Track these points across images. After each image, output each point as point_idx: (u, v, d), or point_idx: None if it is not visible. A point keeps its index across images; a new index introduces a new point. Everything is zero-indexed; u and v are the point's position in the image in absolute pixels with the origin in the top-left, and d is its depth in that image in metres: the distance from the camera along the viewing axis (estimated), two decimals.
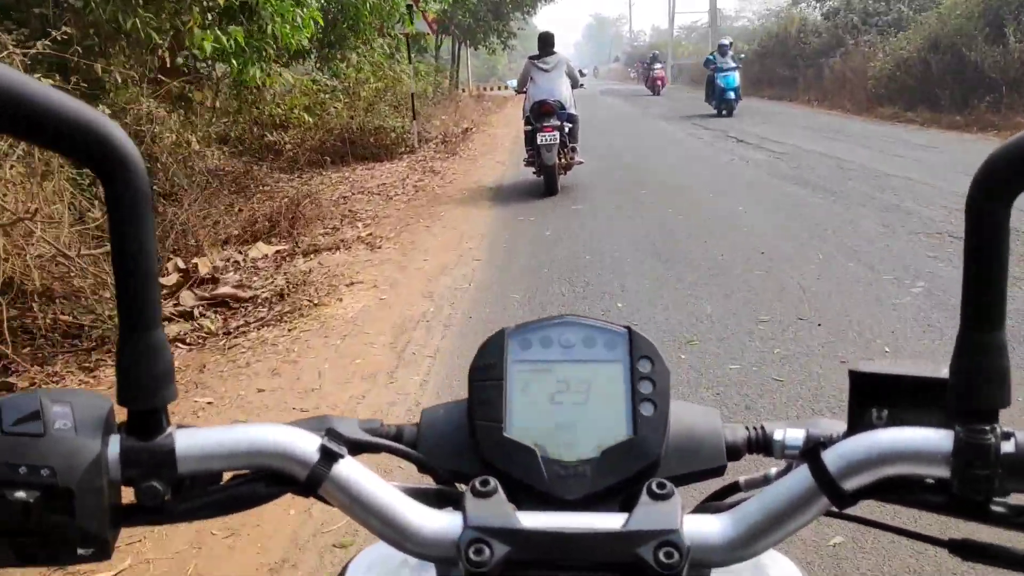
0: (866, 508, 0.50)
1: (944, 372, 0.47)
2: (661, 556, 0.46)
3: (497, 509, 0.49)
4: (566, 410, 0.56)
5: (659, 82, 27.72)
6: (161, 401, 0.47)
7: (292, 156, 9.42)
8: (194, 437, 0.49)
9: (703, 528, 0.49)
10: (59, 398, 0.47)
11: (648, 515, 0.48)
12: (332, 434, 0.50)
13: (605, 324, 0.59)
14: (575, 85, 8.08)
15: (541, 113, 7.52)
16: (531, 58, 8.10)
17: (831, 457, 0.47)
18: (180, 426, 0.49)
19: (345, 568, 0.56)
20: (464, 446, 0.56)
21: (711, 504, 0.58)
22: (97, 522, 0.46)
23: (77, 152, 0.43)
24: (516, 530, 0.47)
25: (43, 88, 0.41)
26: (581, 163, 8.17)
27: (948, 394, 0.46)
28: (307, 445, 0.49)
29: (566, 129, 7.62)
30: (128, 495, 0.49)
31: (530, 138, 7.73)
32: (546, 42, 8.04)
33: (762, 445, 0.58)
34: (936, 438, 0.46)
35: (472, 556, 0.46)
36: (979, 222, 0.43)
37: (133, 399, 0.47)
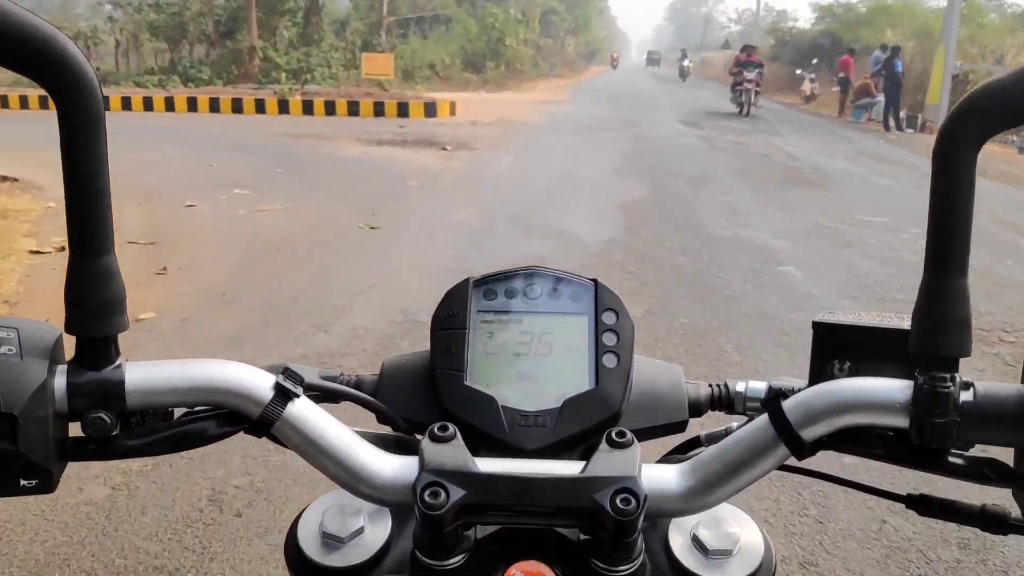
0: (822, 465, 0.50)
1: (907, 324, 0.47)
2: (618, 502, 0.45)
3: (454, 453, 0.48)
4: (529, 361, 0.55)
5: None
6: (112, 330, 0.46)
7: None
8: (145, 370, 0.47)
9: (661, 476, 0.49)
10: (4, 324, 0.45)
11: (606, 462, 0.47)
12: (288, 373, 0.49)
13: (572, 276, 0.58)
14: None
15: None
16: None
17: (791, 406, 0.47)
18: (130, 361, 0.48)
19: (299, 516, 0.55)
20: (425, 396, 0.55)
21: (672, 457, 0.57)
22: (41, 453, 0.44)
23: (29, 67, 0.42)
24: (472, 474, 0.47)
25: None
26: None
27: (910, 342, 0.45)
28: (262, 383, 0.48)
29: None
30: (76, 431, 0.47)
31: None
32: None
33: (724, 401, 0.58)
34: (896, 387, 0.45)
35: (427, 499, 0.45)
36: (946, 169, 0.42)
37: (82, 327, 0.45)
